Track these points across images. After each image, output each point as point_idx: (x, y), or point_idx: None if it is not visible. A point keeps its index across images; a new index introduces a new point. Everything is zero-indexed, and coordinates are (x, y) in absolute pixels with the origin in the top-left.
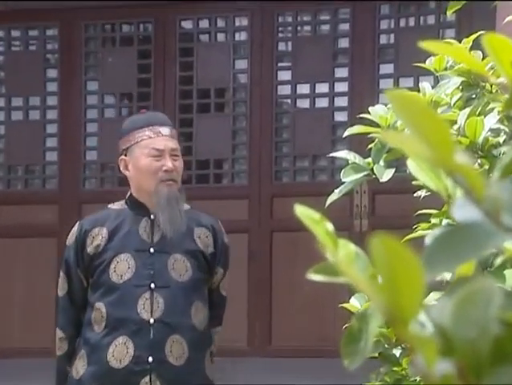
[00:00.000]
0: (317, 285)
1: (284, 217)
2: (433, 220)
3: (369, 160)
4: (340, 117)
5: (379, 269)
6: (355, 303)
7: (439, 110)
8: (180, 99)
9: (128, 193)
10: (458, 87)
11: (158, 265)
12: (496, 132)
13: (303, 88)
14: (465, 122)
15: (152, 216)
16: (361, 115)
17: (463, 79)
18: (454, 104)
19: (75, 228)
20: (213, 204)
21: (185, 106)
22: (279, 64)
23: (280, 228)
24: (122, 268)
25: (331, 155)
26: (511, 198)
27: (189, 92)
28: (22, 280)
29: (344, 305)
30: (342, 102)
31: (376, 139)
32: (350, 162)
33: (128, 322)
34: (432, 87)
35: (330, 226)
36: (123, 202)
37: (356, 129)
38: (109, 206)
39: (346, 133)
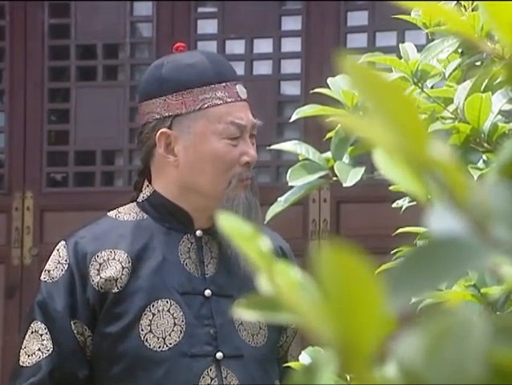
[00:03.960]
0: None
1: None
2: (419, 242)
3: (328, 154)
4: (289, 90)
5: (326, 292)
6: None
7: (428, 83)
8: (51, 59)
9: (147, 192)
10: (456, 51)
11: (220, 319)
12: (509, 116)
13: (235, 46)
14: (466, 101)
15: (198, 233)
16: (317, 90)
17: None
18: (450, 75)
19: (63, 252)
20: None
21: (58, 70)
22: (199, 10)
23: None
24: (163, 325)
25: (273, 147)
26: (504, 204)
27: (66, 49)
28: None
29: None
30: (292, 67)
31: (338, 126)
32: (301, 158)
33: None
34: (421, 49)
35: (265, 244)
36: (135, 208)
37: (310, 110)
38: (112, 215)
39: (295, 116)
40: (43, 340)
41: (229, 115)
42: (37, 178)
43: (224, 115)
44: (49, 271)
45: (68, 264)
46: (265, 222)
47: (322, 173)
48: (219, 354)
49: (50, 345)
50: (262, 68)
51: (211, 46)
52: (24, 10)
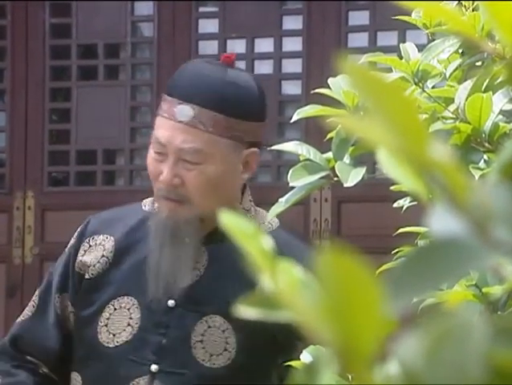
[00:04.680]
0: None
1: None
2: (420, 242)
3: (330, 155)
4: (290, 90)
5: (327, 293)
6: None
7: (429, 83)
8: (52, 58)
9: None
10: (457, 51)
11: (177, 332)
12: (510, 116)
13: (236, 45)
14: (467, 101)
15: (186, 240)
16: (318, 90)
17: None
18: (451, 75)
19: (80, 226)
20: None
21: (59, 69)
22: (200, 9)
23: None
24: (118, 322)
25: (274, 148)
26: (505, 204)
27: (67, 48)
28: None
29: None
30: (293, 67)
31: (339, 126)
32: (301, 158)
33: None
34: (422, 49)
35: (267, 242)
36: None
37: (311, 110)
38: (143, 201)
39: (296, 116)
40: (29, 306)
41: (157, 130)
42: (38, 177)
43: (156, 127)
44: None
45: (75, 238)
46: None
47: (323, 174)
48: (154, 367)
49: (29, 312)
50: (263, 68)
51: (212, 46)
52: (25, 9)
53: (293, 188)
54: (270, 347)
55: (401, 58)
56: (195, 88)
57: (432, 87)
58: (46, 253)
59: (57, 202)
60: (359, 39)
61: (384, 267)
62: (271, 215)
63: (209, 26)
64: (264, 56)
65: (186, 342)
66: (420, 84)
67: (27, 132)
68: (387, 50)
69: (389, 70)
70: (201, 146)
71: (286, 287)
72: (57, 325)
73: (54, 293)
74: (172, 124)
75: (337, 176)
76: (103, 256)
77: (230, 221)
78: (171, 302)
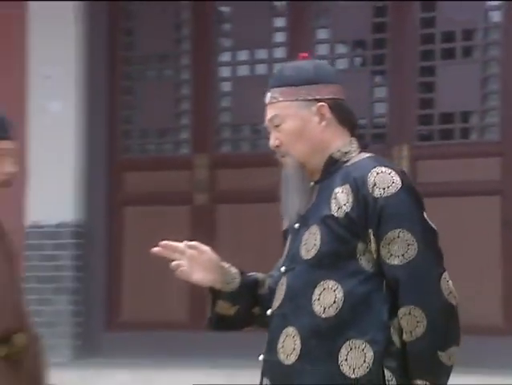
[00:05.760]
0: None
1: None
2: None
3: None
4: None
5: None
6: None
7: None
8: (422, 44)
9: None
10: None
11: (296, 243)
12: None
13: None
14: None
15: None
16: None
17: None
18: None
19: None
20: (458, 162)
21: (427, 52)
22: None
23: None
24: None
25: None
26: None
27: (431, 36)
28: None
29: None
30: None
31: None
32: None
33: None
34: None
35: None
36: None
37: None
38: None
39: None
40: None
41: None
42: (410, 134)
43: None
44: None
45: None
46: None
47: None
48: (283, 268)
49: None
50: None
51: None
52: (402, 8)
53: None
54: (345, 238)
55: None
56: (272, 78)
57: None
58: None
59: (425, 153)
60: None
61: None
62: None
63: None
64: None
65: (298, 248)
66: None
67: (402, 101)
68: None
69: None
70: (277, 112)
71: None
72: None
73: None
74: (266, 108)
75: None
76: None
77: None
78: (296, 225)
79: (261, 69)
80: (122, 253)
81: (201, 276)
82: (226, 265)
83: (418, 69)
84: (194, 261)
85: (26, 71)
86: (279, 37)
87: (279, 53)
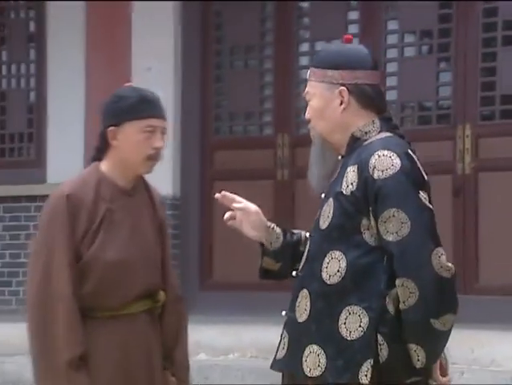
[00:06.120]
0: None
1: None
2: None
3: None
4: None
5: None
6: None
7: None
8: (484, 32)
9: None
10: None
11: (319, 213)
12: None
13: None
14: None
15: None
16: None
17: None
18: None
19: None
20: None
21: (489, 39)
22: None
23: None
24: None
25: None
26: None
27: (493, 24)
28: None
29: None
30: None
31: None
32: None
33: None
34: None
35: None
36: None
37: None
38: None
39: None
40: None
41: None
42: (473, 115)
43: None
44: None
45: None
46: None
47: None
48: (307, 234)
49: None
50: None
51: None
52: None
53: None
54: (351, 214)
55: None
56: (313, 57)
57: None
58: (479, 166)
59: (486, 132)
60: None
61: None
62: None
63: None
64: None
65: (319, 217)
66: None
67: (466, 84)
68: None
69: None
70: (308, 89)
71: None
72: None
73: None
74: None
75: None
76: None
77: None
78: (323, 195)
79: None
80: (213, 223)
81: (250, 232)
82: (272, 225)
83: (480, 55)
84: (246, 216)
85: (130, 64)
86: (353, 28)
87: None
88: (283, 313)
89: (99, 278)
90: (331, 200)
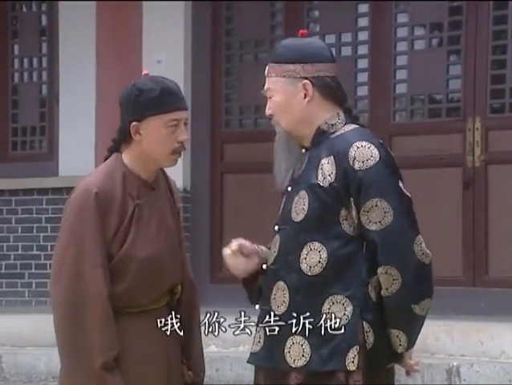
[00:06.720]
0: None
1: None
2: None
3: None
4: None
5: None
6: None
7: None
8: (494, 24)
9: None
10: None
11: (288, 206)
12: None
13: None
14: None
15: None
16: None
17: None
18: None
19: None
20: None
21: (499, 32)
22: None
23: None
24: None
25: None
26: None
27: (504, 17)
28: None
29: None
30: None
31: None
32: None
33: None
34: None
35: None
36: None
37: None
38: None
39: None
40: None
41: None
42: (483, 107)
43: None
44: None
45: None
46: None
47: None
48: (276, 227)
49: None
50: None
51: None
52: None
53: None
54: (329, 205)
55: None
56: (271, 53)
57: None
58: (489, 159)
59: (496, 124)
60: None
61: None
62: None
63: None
64: None
65: (290, 210)
66: None
67: (476, 77)
68: None
69: None
70: (269, 85)
71: None
72: None
73: None
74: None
75: None
76: None
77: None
78: (289, 188)
79: (346, 51)
80: (223, 215)
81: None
82: (260, 248)
83: (490, 48)
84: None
85: (141, 57)
86: (362, 21)
87: (362, 36)
88: (256, 306)
89: (133, 277)
90: (303, 192)
